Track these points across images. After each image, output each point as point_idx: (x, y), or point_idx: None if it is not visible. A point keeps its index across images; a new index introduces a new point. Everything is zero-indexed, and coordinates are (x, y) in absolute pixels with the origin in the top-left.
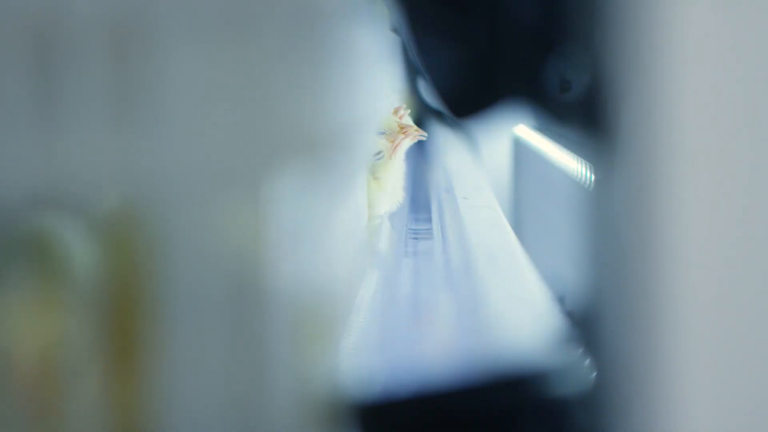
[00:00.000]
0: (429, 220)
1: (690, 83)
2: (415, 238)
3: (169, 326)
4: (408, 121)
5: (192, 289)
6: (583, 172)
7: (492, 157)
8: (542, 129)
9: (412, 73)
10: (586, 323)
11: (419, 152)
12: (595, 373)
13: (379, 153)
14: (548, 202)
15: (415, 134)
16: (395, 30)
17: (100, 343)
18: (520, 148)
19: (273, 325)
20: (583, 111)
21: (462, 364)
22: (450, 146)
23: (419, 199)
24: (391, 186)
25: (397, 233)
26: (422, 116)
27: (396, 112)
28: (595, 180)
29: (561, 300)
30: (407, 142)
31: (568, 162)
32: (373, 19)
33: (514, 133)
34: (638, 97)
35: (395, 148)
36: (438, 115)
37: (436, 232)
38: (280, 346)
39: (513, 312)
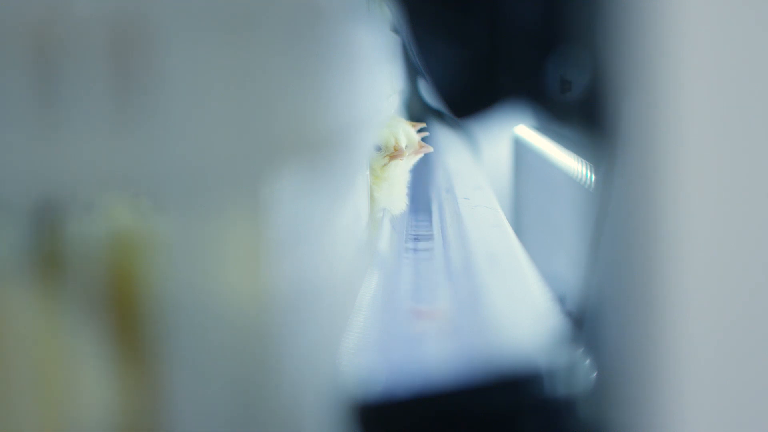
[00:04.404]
0: (429, 220)
1: (690, 83)
2: (415, 238)
3: (168, 327)
4: (411, 132)
5: (192, 289)
6: (583, 172)
7: (492, 157)
8: (542, 129)
9: (412, 73)
10: (586, 323)
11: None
12: (595, 373)
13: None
14: (548, 202)
15: (420, 151)
16: (395, 30)
17: (100, 345)
18: (520, 148)
19: (273, 326)
20: (583, 111)
21: (462, 364)
22: (450, 146)
23: (419, 199)
24: (393, 190)
25: (398, 233)
26: (423, 116)
27: (414, 126)
28: (595, 180)
29: (561, 300)
30: (404, 163)
31: (568, 162)
32: (373, 19)
33: (514, 133)
34: (638, 96)
35: (390, 164)
36: (438, 115)
37: (436, 232)
38: (280, 346)
39: (513, 312)
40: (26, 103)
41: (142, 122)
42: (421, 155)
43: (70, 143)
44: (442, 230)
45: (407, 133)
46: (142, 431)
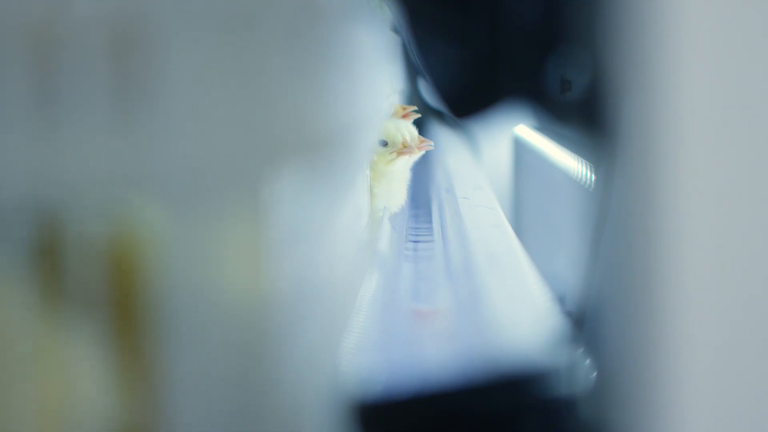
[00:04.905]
0: (429, 220)
1: (690, 83)
2: (415, 238)
3: (168, 327)
4: (412, 129)
5: (192, 288)
6: (583, 172)
7: (492, 157)
8: (542, 129)
9: (412, 73)
10: (586, 323)
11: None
12: (595, 373)
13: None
14: (548, 202)
15: (422, 147)
16: (395, 30)
17: (100, 345)
18: (520, 148)
19: (273, 326)
20: (583, 111)
21: (462, 364)
22: (450, 146)
23: (419, 199)
24: (393, 186)
25: (398, 233)
26: (422, 116)
27: (403, 110)
28: (595, 180)
29: (561, 300)
30: (408, 159)
31: (568, 162)
32: (373, 19)
33: (514, 133)
34: (638, 96)
35: (397, 159)
36: (438, 115)
37: (436, 232)
38: (280, 346)
39: (513, 312)
40: (26, 103)
41: (142, 122)
42: (422, 152)
43: (70, 143)
44: (442, 230)
45: (408, 129)
46: (142, 431)
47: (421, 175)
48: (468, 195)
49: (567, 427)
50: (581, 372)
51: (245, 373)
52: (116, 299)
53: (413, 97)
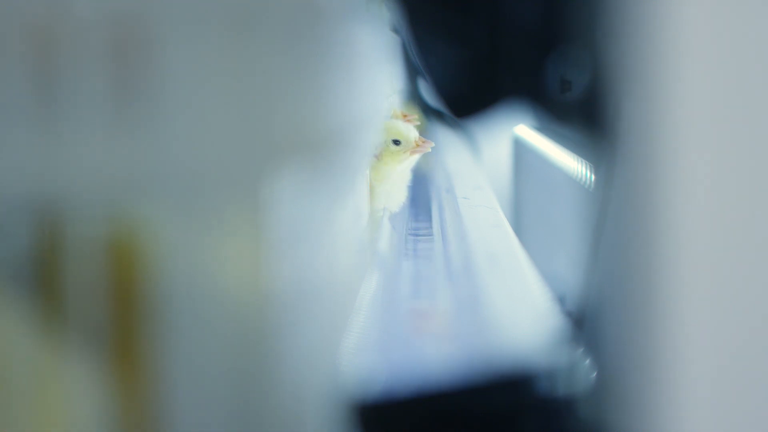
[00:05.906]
0: (429, 220)
1: (690, 83)
2: (415, 238)
3: (168, 327)
4: (413, 132)
5: (192, 289)
6: (583, 172)
7: (492, 157)
8: (542, 129)
9: (412, 73)
10: (586, 323)
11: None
12: (595, 373)
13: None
14: (548, 202)
15: (421, 148)
16: (395, 30)
17: (100, 345)
18: (520, 148)
19: (273, 326)
20: (583, 111)
21: (462, 364)
22: (450, 146)
23: (419, 199)
24: (394, 186)
25: (398, 233)
26: (423, 116)
27: (405, 117)
28: (595, 180)
29: (561, 300)
30: (413, 159)
31: (568, 162)
32: (373, 19)
33: (514, 133)
34: (638, 97)
35: (410, 158)
36: (438, 115)
37: (436, 232)
38: (280, 347)
39: (513, 312)
40: (26, 103)
41: (143, 122)
42: (424, 151)
43: (71, 143)
44: (442, 230)
45: (410, 129)
46: (143, 431)
47: (421, 175)
48: (468, 195)
49: (567, 427)
50: (581, 372)
51: (245, 373)
52: (116, 299)
53: (413, 97)
